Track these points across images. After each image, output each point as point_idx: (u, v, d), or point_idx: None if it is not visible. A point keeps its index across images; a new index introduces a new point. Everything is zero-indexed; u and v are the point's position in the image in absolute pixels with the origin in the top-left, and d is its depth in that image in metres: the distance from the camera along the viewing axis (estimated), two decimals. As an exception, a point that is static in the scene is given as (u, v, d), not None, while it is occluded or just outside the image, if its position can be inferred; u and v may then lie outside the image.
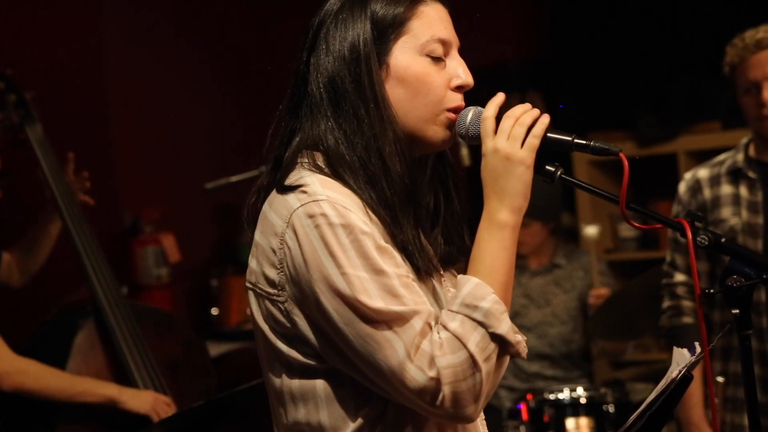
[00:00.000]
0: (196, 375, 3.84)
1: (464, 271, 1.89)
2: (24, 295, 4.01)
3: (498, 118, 1.88)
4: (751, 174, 3.48)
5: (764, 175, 3.48)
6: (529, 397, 4.14)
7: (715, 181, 3.53)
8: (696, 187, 3.55)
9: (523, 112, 1.88)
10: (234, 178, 3.91)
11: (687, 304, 3.55)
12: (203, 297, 5.48)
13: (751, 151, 3.51)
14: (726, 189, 3.50)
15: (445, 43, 1.92)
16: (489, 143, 1.87)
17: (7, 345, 3.49)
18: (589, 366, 4.92)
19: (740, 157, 3.52)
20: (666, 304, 3.59)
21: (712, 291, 1.86)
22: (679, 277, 3.56)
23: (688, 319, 3.54)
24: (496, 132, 1.87)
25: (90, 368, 3.63)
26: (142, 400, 3.53)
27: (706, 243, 1.87)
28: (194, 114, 5.49)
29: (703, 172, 3.57)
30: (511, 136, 1.86)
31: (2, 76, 3.83)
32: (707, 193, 3.52)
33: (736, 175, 3.51)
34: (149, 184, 5.27)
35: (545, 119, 1.88)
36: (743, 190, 3.48)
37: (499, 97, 1.91)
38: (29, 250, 3.84)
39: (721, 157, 3.59)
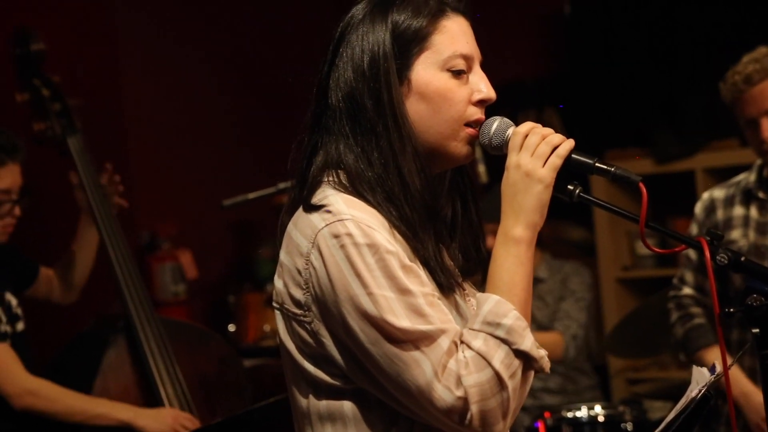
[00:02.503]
0: (230, 392, 3.83)
1: (481, 282, 1.89)
2: (61, 306, 4.01)
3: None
4: (762, 195, 3.47)
5: None
6: (546, 415, 4.13)
7: (729, 201, 3.53)
8: (711, 207, 3.55)
9: (551, 132, 1.88)
10: (251, 195, 3.92)
11: (695, 310, 3.55)
12: (220, 313, 5.49)
13: (765, 172, 3.50)
14: (738, 210, 3.50)
15: (467, 58, 1.91)
16: (513, 157, 1.87)
17: (20, 364, 3.49)
18: (597, 376, 4.91)
19: (753, 177, 3.51)
20: (674, 315, 3.60)
21: (732, 310, 1.85)
22: (687, 290, 3.57)
23: (700, 320, 3.53)
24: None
25: (118, 385, 3.62)
26: (161, 422, 3.51)
27: (726, 262, 1.86)
28: (211, 131, 5.51)
29: (718, 192, 3.57)
30: (536, 154, 1.86)
31: (48, 83, 3.83)
32: (720, 213, 3.52)
33: (748, 195, 3.50)
34: (166, 201, 5.29)
35: (571, 142, 1.88)
36: (753, 211, 3.47)
37: (536, 125, 1.90)
38: (69, 264, 3.85)
39: (739, 177, 3.59)
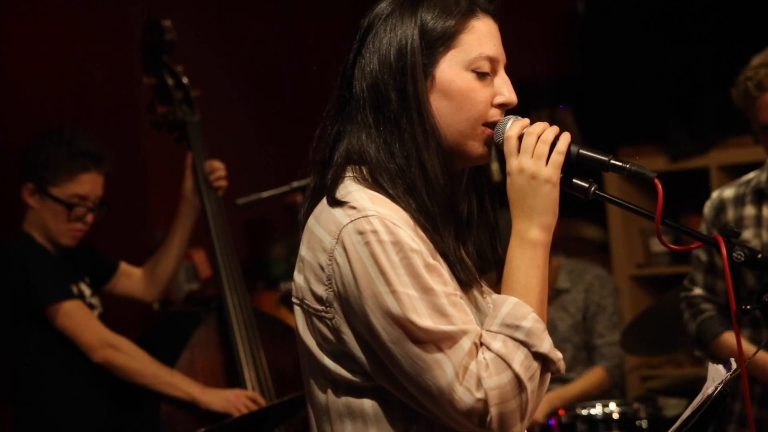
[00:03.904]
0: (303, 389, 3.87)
1: (496, 281, 1.89)
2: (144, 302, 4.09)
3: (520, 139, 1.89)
4: None
5: None
6: (561, 412, 4.12)
7: (739, 201, 3.49)
8: (720, 207, 3.50)
9: (543, 129, 1.88)
10: (265, 194, 3.93)
11: (706, 306, 3.51)
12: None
13: None
14: (750, 210, 3.45)
15: (492, 61, 1.91)
16: (513, 162, 1.87)
17: (98, 320, 3.64)
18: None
19: (764, 177, 3.47)
20: (686, 314, 3.57)
21: (749, 307, 1.85)
22: (697, 290, 3.53)
23: (710, 313, 3.49)
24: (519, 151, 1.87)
25: (204, 361, 3.71)
26: (225, 400, 3.58)
27: (743, 259, 1.85)
28: (225, 130, 5.51)
29: (728, 192, 3.52)
30: (535, 154, 1.86)
31: (172, 72, 3.93)
32: (731, 213, 3.47)
33: (760, 195, 3.46)
34: (180, 200, 5.29)
35: (567, 136, 1.88)
36: (766, 211, 3.44)
37: (525, 121, 1.90)
38: (158, 258, 3.94)
39: (750, 175, 3.56)
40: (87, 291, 3.74)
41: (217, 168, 3.88)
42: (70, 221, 3.66)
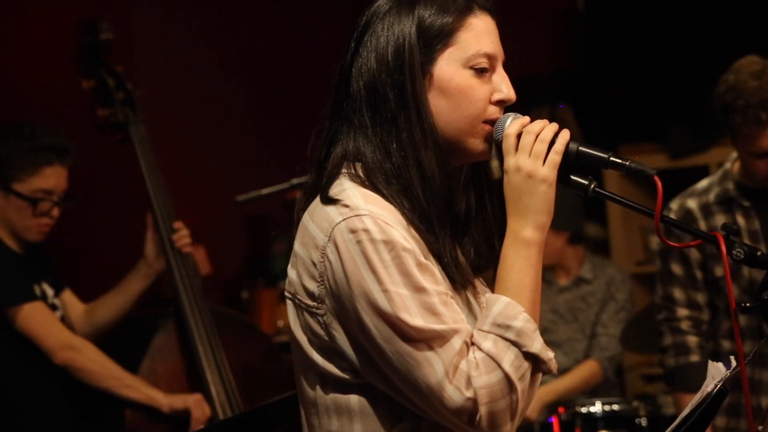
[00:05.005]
0: (270, 386, 3.86)
1: (492, 279, 1.89)
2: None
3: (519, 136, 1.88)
4: (745, 203, 3.38)
5: (758, 202, 3.38)
6: (560, 410, 4.12)
7: (706, 211, 3.41)
8: (687, 217, 3.40)
9: (542, 128, 1.88)
10: (265, 191, 3.93)
11: (692, 339, 3.41)
12: (234, 309, 5.48)
13: (736, 176, 3.41)
14: (720, 219, 3.37)
15: (490, 58, 1.91)
16: (511, 160, 1.87)
17: (60, 322, 3.61)
18: (617, 377, 4.89)
19: (730, 185, 3.40)
20: (667, 341, 3.45)
21: (749, 305, 1.84)
22: (682, 311, 3.42)
23: (695, 358, 3.39)
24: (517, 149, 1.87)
25: (165, 368, 3.70)
26: (182, 403, 3.57)
27: (742, 257, 1.84)
28: (225, 127, 5.51)
29: (691, 202, 3.44)
30: (533, 153, 1.86)
31: (113, 72, 3.89)
32: (702, 224, 3.38)
33: (728, 204, 3.40)
34: (180, 197, 5.28)
35: (566, 134, 1.88)
36: (740, 219, 3.37)
37: (524, 119, 1.90)
38: (97, 308, 3.86)
39: (703, 184, 3.49)
40: (50, 291, 3.70)
41: (182, 235, 3.79)
42: (36, 216, 3.61)
